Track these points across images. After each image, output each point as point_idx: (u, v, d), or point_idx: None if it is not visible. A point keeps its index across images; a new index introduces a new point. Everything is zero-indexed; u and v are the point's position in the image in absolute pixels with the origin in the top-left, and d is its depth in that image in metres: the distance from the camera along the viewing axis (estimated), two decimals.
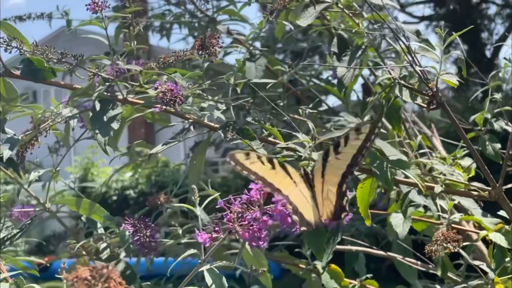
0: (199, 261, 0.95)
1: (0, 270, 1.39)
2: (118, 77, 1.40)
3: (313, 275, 1.94)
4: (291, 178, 1.00)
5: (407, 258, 1.94)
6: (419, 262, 1.93)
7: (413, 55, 1.18)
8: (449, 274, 1.70)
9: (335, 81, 1.79)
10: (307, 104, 1.95)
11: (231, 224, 0.83)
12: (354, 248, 2.05)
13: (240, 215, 0.83)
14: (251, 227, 0.83)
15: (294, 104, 2.03)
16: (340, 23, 1.73)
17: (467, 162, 1.96)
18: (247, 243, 0.85)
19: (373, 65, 1.54)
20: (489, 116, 1.90)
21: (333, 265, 1.82)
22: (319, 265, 1.92)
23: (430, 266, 1.91)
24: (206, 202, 1.01)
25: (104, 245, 1.45)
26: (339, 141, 1.02)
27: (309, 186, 1.00)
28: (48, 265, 2.01)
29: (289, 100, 2.10)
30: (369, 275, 1.93)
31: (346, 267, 2.14)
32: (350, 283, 1.89)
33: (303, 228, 0.91)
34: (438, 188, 1.40)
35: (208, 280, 0.94)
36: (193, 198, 1.00)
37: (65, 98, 1.47)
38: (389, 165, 1.31)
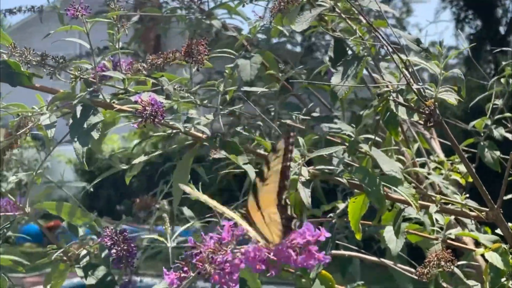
0: None
1: None
2: (103, 80, 1.34)
3: (304, 280, 1.89)
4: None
5: (402, 265, 1.89)
6: (413, 270, 1.88)
7: (410, 70, 1.12)
8: (444, 284, 1.65)
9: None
10: (306, 104, 1.88)
11: (201, 264, 0.78)
12: (346, 253, 2.00)
13: (210, 255, 0.78)
14: (222, 270, 0.77)
15: (291, 104, 1.96)
16: (339, 24, 1.67)
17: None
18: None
19: (370, 76, 1.48)
20: (489, 122, 1.84)
21: (323, 271, 1.77)
22: None
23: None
24: (179, 231, 0.95)
25: (84, 252, 1.40)
26: (262, 169, 0.97)
27: (249, 224, 0.94)
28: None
29: (287, 99, 2.03)
30: (360, 282, 1.89)
31: (341, 270, 2.10)
32: None
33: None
34: (433, 208, 1.34)
35: None
36: (163, 228, 0.94)
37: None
38: (381, 182, 1.25)
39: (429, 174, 1.77)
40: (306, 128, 1.57)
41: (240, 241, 0.82)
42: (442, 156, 2.14)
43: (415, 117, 1.24)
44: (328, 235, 0.79)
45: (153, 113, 1.08)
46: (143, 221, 1.89)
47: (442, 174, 1.97)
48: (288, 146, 0.95)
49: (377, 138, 1.60)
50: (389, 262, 1.89)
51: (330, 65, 1.40)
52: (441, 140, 2.27)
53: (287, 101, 1.93)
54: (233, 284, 0.78)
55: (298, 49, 2.38)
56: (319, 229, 0.88)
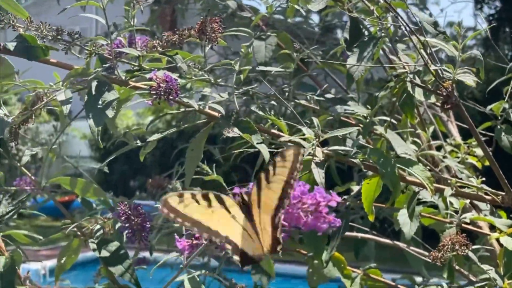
0: (181, 266, 0.91)
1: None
2: (119, 56, 1.33)
3: (316, 261, 1.89)
4: (229, 212, 0.95)
5: (415, 248, 1.88)
6: (426, 253, 1.87)
7: (428, 51, 1.10)
8: (458, 267, 1.64)
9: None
10: (321, 85, 1.86)
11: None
12: (360, 235, 2.00)
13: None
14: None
15: (306, 85, 1.94)
16: (356, 4, 1.65)
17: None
18: None
19: (387, 57, 1.46)
20: (507, 106, 1.82)
21: (336, 253, 1.77)
22: None
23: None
24: None
25: (98, 227, 1.40)
26: (268, 168, 0.98)
27: (249, 216, 0.96)
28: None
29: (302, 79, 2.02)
30: (373, 264, 1.88)
31: (354, 251, 2.10)
32: (353, 271, 1.84)
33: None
34: (448, 191, 1.33)
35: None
36: None
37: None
38: (396, 164, 1.24)
39: (444, 157, 1.75)
40: (321, 108, 1.56)
41: None
42: (458, 139, 2.13)
43: (432, 99, 1.23)
44: (339, 199, 0.79)
45: (167, 90, 1.08)
46: (159, 197, 1.89)
47: (458, 157, 1.96)
48: (296, 163, 0.96)
49: (392, 120, 1.59)
50: (403, 245, 1.89)
51: (346, 48, 1.39)
52: (458, 123, 2.25)
53: (302, 82, 1.92)
54: None
55: (315, 28, 2.35)
56: (330, 194, 0.88)
